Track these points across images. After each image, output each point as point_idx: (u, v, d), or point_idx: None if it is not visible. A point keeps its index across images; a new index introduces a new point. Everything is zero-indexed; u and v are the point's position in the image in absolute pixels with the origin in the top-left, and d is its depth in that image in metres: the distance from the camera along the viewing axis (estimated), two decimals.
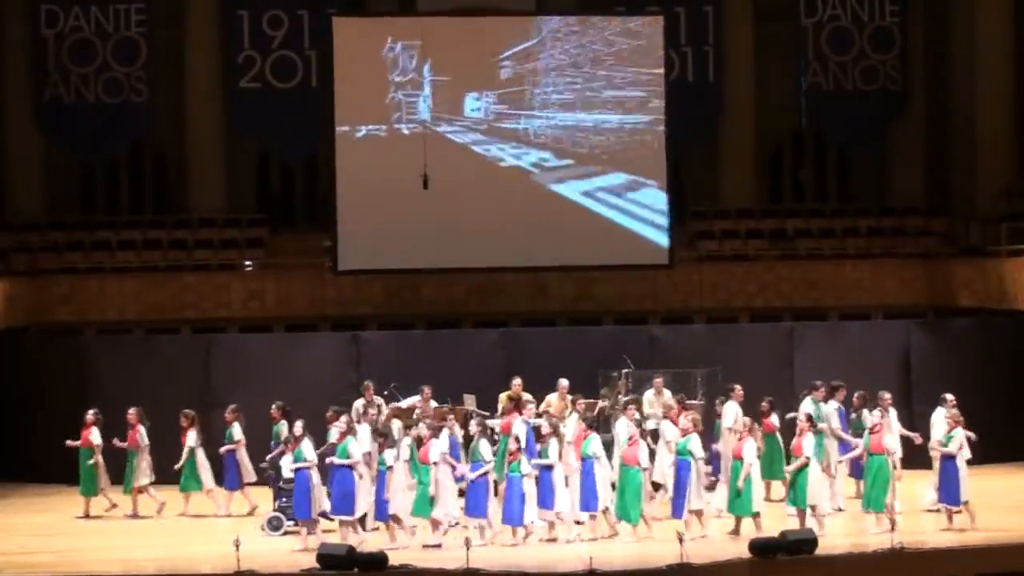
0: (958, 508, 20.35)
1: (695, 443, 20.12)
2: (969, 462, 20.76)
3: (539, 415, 22.47)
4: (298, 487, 19.92)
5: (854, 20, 31.63)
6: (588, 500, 20.09)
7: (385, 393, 23.05)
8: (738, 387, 22.43)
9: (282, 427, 21.84)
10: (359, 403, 22.69)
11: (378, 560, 18.10)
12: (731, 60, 31.71)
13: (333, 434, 20.53)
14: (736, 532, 20.07)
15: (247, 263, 30.03)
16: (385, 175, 28.16)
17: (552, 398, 22.96)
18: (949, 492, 20.37)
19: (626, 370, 23.93)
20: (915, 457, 22.24)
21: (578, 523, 20.23)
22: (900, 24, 31.84)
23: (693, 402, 22.99)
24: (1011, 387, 26.16)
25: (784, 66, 31.83)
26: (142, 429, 22.49)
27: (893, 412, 21.82)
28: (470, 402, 23.37)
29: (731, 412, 22.08)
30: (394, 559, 18.24)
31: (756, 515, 20.02)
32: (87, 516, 22.40)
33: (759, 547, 18.35)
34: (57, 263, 29.40)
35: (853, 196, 33.43)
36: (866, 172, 33.24)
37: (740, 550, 18.53)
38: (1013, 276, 27.11)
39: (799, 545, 18.35)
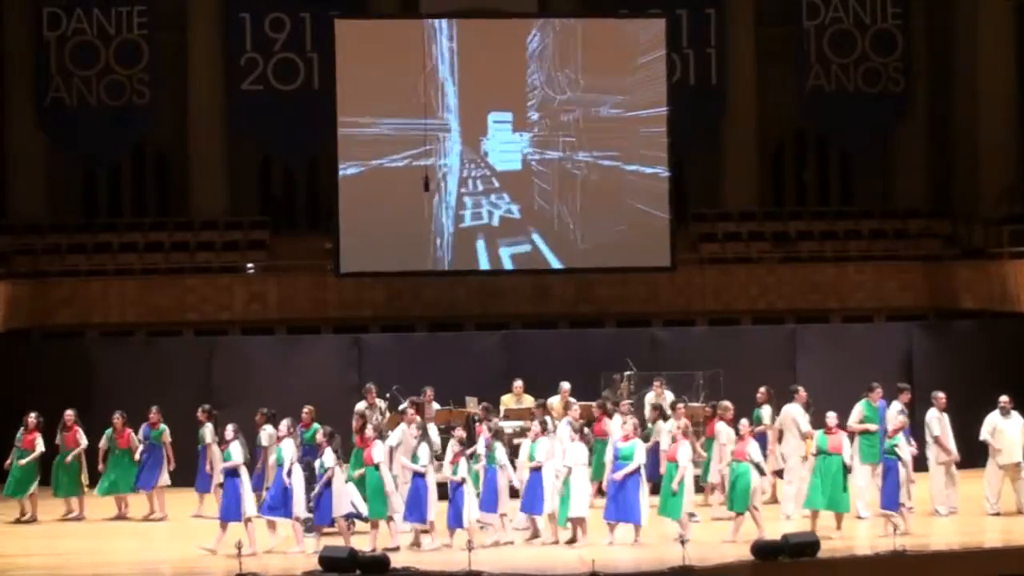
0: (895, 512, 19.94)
1: (640, 450, 20.02)
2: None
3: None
4: (227, 490, 19.85)
5: (856, 22, 31.63)
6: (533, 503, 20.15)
7: (387, 396, 23.02)
8: (801, 389, 21.99)
9: (206, 430, 22.09)
10: (361, 405, 22.69)
11: (380, 562, 18.08)
12: (733, 62, 31.73)
13: (263, 437, 20.91)
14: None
15: (249, 266, 30.04)
16: (387, 175, 28.20)
17: (554, 401, 22.93)
18: (889, 496, 19.96)
19: (628, 372, 23.93)
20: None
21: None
22: (902, 26, 31.84)
23: (694, 404, 22.97)
24: (1013, 389, 26.10)
25: (786, 68, 31.84)
26: (79, 430, 22.61)
27: (945, 416, 21.62)
28: (472, 404, 23.34)
29: (795, 415, 21.80)
30: (395, 561, 18.22)
31: (690, 516, 19.92)
32: (19, 520, 22.37)
33: (761, 550, 18.34)
34: (59, 265, 29.41)
35: (855, 198, 33.43)
36: (868, 174, 33.24)
37: (742, 553, 18.52)
38: (1015, 278, 27.10)
39: (801, 548, 18.33)
